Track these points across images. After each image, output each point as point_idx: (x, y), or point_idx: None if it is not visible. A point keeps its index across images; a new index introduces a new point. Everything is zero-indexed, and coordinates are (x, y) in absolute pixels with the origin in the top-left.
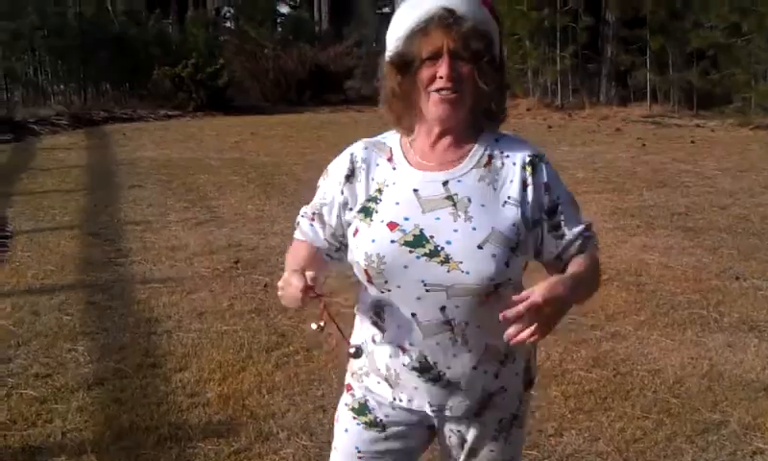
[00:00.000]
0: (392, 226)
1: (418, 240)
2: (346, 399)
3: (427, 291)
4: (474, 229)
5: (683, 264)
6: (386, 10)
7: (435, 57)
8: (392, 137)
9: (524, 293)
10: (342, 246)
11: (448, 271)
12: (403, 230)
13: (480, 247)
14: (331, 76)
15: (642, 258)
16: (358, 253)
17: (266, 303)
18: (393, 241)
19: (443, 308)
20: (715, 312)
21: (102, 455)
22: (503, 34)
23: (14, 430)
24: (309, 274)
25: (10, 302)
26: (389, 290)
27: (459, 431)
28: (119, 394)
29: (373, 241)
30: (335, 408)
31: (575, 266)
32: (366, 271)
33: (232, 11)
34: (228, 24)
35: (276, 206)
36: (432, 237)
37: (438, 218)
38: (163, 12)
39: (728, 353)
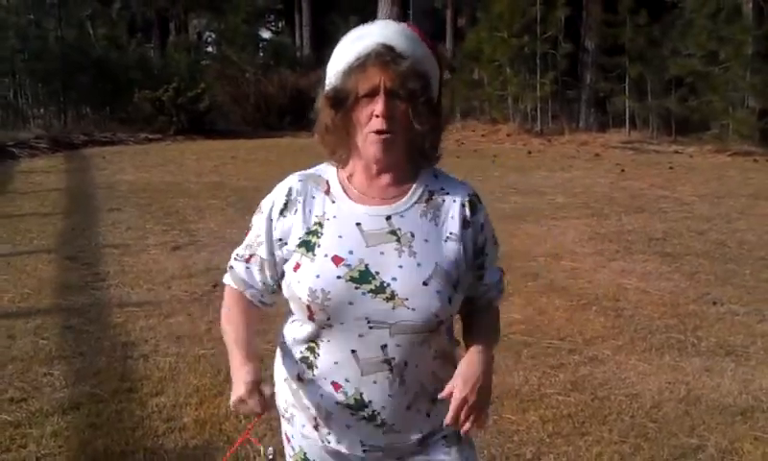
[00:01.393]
0: (337, 260)
1: (363, 276)
2: (288, 449)
3: (371, 328)
4: (419, 265)
5: (660, 289)
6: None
7: (371, 94)
8: (327, 170)
9: (446, 390)
10: (277, 287)
11: (394, 307)
12: (348, 265)
13: (425, 284)
14: (312, 101)
15: (620, 283)
16: (300, 288)
17: None
18: (339, 277)
19: (384, 346)
20: (693, 337)
21: None
22: (443, 75)
23: None
24: (267, 392)
25: None
26: (330, 326)
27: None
28: (94, 418)
29: (318, 276)
30: None
31: (481, 328)
32: (309, 307)
33: (214, 35)
34: (209, 49)
35: None
36: (378, 273)
37: (382, 253)
38: (145, 36)
39: (705, 378)
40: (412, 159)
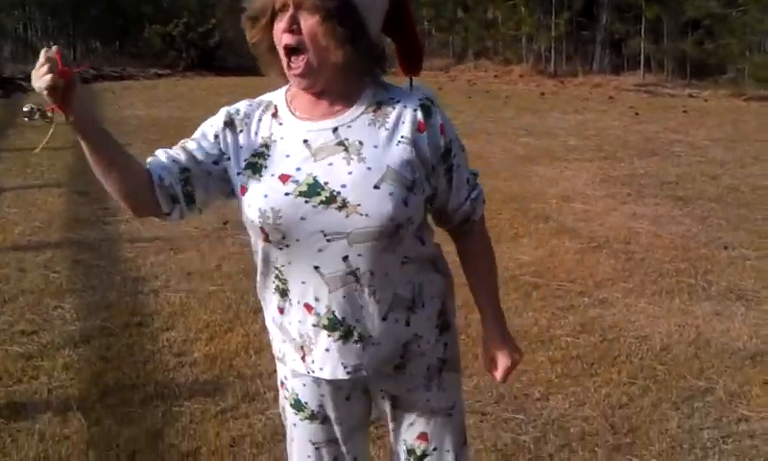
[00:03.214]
0: (284, 178)
1: (312, 189)
2: (282, 392)
3: (328, 241)
4: (369, 169)
5: (671, 233)
6: None
7: (283, 9)
8: (276, 95)
9: (492, 371)
10: (192, 187)
11: (347, 216)
12: (296, 182)
13: (377, 187)
14: None
15: (631, 226)
16: (251, 211)
17: (256, 264)
18: (287, 194)
19: (345, 258)
20: (703, 281)
21: (88, 412)
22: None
23: (0, 386)
24: (55, 47)
25: None
26: (287, 245)
27: (387, 390)
28: (105, 352)
29: (266, 196)
30: None
31: (482, 273)
32: (262, 228)
33: None
34: None
35: None
36: (326, 184)
37: (331, 164)
38: None
39: (715, 322)
40: (351, 78)
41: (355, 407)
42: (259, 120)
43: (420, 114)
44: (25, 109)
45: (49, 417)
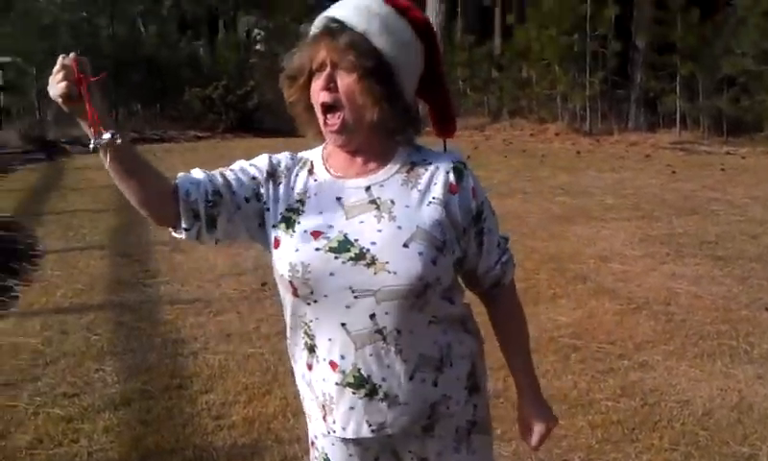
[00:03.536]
0: (315, 234)
1: (342, 245)
2: (313, 451)
3: (356, 298)
4: (399, 227)
5: (712, 294)
6: None
7: (321, 69)
8: (313, 153)
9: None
10: (218, 212)
11: (375, 273)
12: (327, 237)
13: (406, 246)
14: None
15: (671, 287)
16: (281, 264)
17: None
18: (317, 249)
19: (372, 316)
20: (745, 343)
21: None
22: (436, 51)
23: (41, 449)
24: (72, 54)
25: (39, 320)
26: (315, 301)
27: (416, 452)
28: (145, 415)
29: (297, 250)
30: None
31: (514, 336)
32: (291, 282)
33: (263, 33)
34: (258, 47)
35: None
36: (356, 240)
37: (362, 222)
38: (194, 34)
39: (758, 386)
40: (385, 138)
41: None
42: (296, 175)
43: (452, 176)
44: (92, 147)
45: None
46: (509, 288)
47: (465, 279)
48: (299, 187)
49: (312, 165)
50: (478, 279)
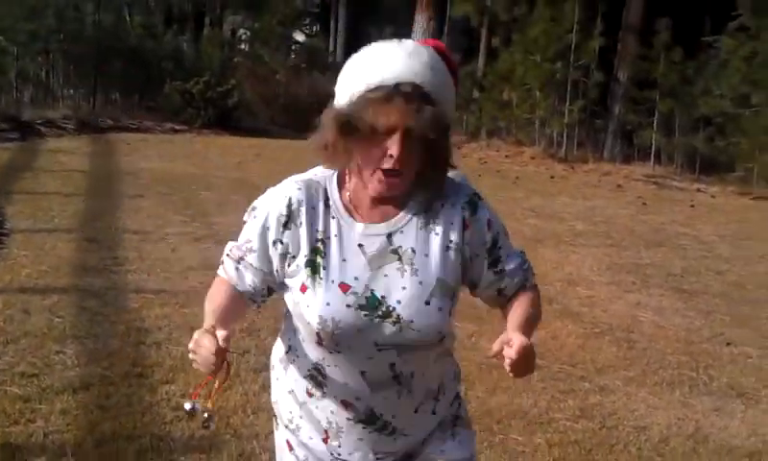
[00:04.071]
0: (344, 287)
1: (371, 303)
2: (288, 457)
3: (379, 351)
4: (421, 283)
5: (675, 325)
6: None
7: (388, 134)
8: (325, 178)
9: (498, 349)
10: (271, 290)
11: (400, 330)
12: (355, 293)
13: (427, 303)
14: None
15: (635, 315)
16: (310, 313)
17: (257, 323)
18: (348, 305)
19: (392, 365)
20: (704, 375)
21: (82, 460)
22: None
23: None
24: (221, 334)
25: (2, 298)
26: (339, 352)
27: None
28: (104, 400)
29: (328, 304)
30: None
31: (523, 307)
32: (318, 333)
33: (248, 33)
34: (242, 46)
35: None
36: (384, 298)
37: (386, 275)
38: (180, 28)
39: (714, 417)
40: (410, 189)
41: None
42: (313, 208)
43: (466, 213)
44: (187, 408)
45: None
46: (531, 288)
47: (490, 301)
48: (318, 224)
49: (326, 196)
50: (505, 295)
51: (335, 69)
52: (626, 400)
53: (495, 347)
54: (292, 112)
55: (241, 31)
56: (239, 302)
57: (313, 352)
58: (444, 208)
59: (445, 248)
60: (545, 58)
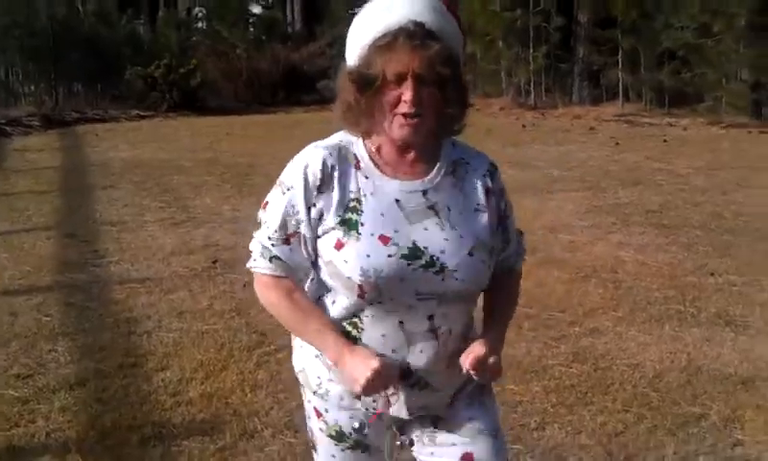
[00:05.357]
0: (384, 239)
1: (413, 253)
2: (319, 423)
3: (419, 300)
4: (461, 237)
5: (658, 261)
6: (360, 10)
7: (399, 79)
8: (351, 142)
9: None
10: (314, 261)
11: (443, 279)
12: (396, 244)
13: (471, 254)
14: (305, 76)
15: (618, 255)
16: (349, 267)
17: (245, 301)
18: (390, 256)
19: (431, 317)
20: (692, 307)
21: (86, 455)
22: (466, 44)
23: None
24: (373, 360)
25: None
26: (380, 302)
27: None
28: (101, 394)
29: (368, 256)
30: None
31: (500, 304)
32: (360, 285)
33: (204, 11)
34: (199, 24)
35: (253, 206)
36: (426, 248)
37: (426, 229)
38: (134, 12)
39: (705, 348)
40: (437, 135)
41: (390, 434)
42: (345, 170)
43: (488, 181)
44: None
45: (48, 460)
46: (517, 274)
47: None
48: (351, 185)
49: (357, 159)
50: (497, 264)
51: (295, 38)
52: (617, 340)
53: (466, 365)
54: (256, 87)
55: (197, 9)
56: (305, 293)
57: (347, 308)
58: (468, 173)
59: (474, 209)
60: (504, 6)
